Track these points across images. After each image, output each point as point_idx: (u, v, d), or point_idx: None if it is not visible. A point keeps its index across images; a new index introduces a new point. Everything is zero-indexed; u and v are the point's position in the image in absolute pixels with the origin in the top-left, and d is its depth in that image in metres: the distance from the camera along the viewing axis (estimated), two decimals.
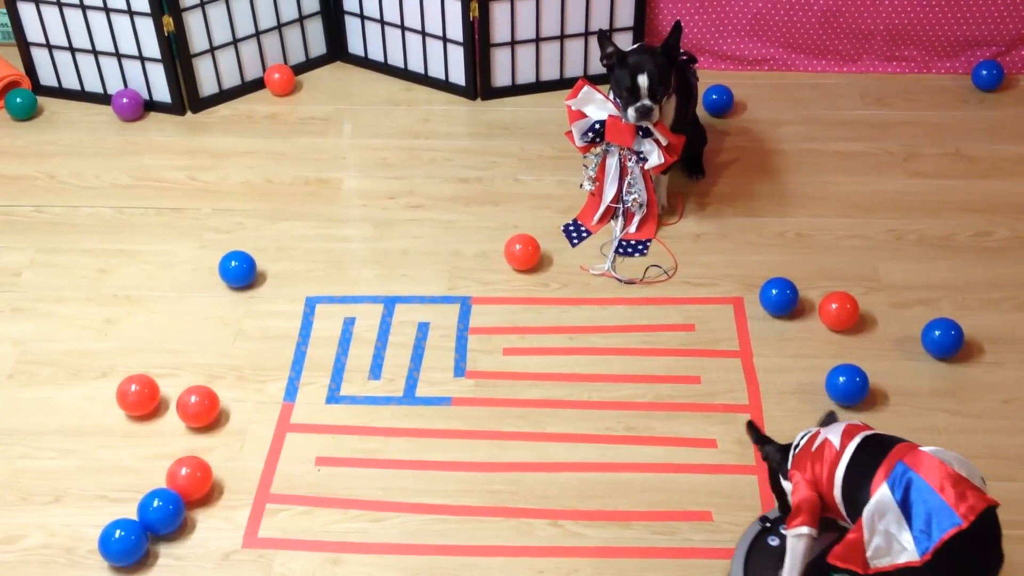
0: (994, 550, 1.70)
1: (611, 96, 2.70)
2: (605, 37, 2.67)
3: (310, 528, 2.17)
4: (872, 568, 1.72)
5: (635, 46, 2.72)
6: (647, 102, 2.60)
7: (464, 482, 2.25)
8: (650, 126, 2.65)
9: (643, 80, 2.57)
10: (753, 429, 1.96)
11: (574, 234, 2.85)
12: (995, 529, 1.70)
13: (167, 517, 2.12)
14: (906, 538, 1.68)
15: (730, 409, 2.38)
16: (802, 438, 1.91)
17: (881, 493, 1.70)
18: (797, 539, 1.82)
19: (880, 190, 2.97)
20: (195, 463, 2.21)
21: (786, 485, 1.89)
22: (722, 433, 2.33)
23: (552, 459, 2.29)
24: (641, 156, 2.71)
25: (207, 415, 2.35)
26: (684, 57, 2.80)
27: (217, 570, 2.10)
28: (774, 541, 1.96)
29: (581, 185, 2.85)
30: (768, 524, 2.00)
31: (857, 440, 1.80)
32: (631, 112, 2.62)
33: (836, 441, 1.82)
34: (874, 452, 1.76)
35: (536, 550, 2.12)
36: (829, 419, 1.95)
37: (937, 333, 2.46)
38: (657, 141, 2.67)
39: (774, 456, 1.91)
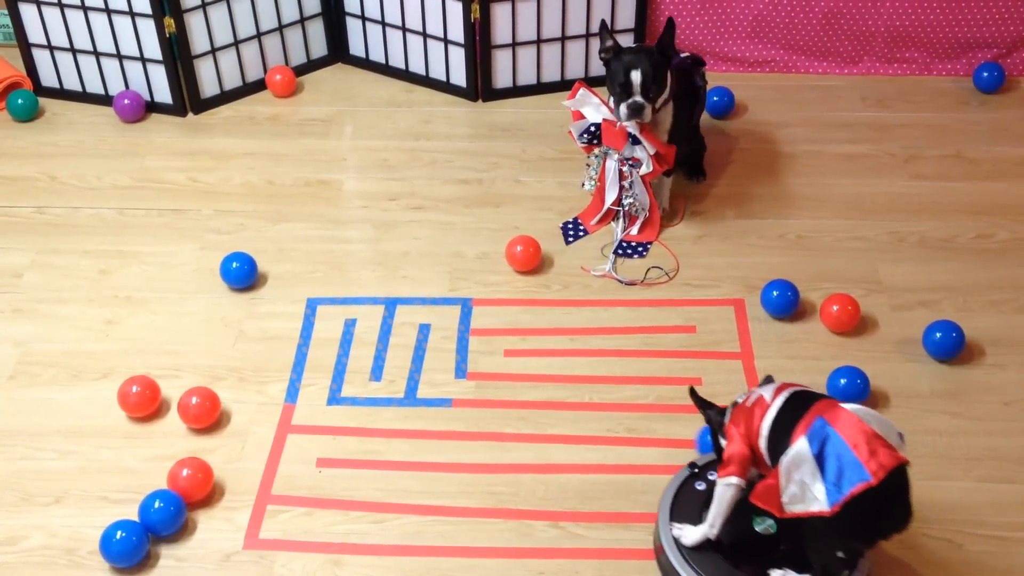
0: (901, 506, 1.79)
1: (609, 99, 2.70)
2: (606, 29, 2.67)
3: (311, 529, 2.17)
4: (787, 513, 1.81)
5: (632, 45, 2.71)
6: (639, 99, 2.59)
7: (465, 483, 2.25)
8: (638, 134, 2.64)
9: (636, 76, 2.57)
10: (695, 395, 2.02)
11: (571, 232, 2.85)
12: (904, 486, 1.79)
13: (168, 518, 2.12)
14: (819, 489, 1.76)
15: None
16: (740, 397, 1.98)
17: (799, 445, 1.79)
18: (726, 488, 1.92)
19: (881, 192, 2.97)
20: (196, 464, 2.21)
21: (724, 442, 1.96)
22: None
23: (553, 460, 2.29)
24: (634, 162, 2.71)
25: (208, 416, 2.35)
26: (691, 60, 2.80)
27: (218, 571, 2.10)
28: (701, 486, 2.05)
29: (583, 184, 2.85)
30: (696, 470, 2.08)
31: (785, 395, 1.88)
32: (623, 109, 2.61)
33: (768, 396, 1.90)
34: (798, 407, 1.84)
35: (537, 551, 2.12)
36: (767, 380, 2.01)
37: (938, 335, 2.46)
38: (646, 148, 2.67)
39: (715, 418, 1.99)
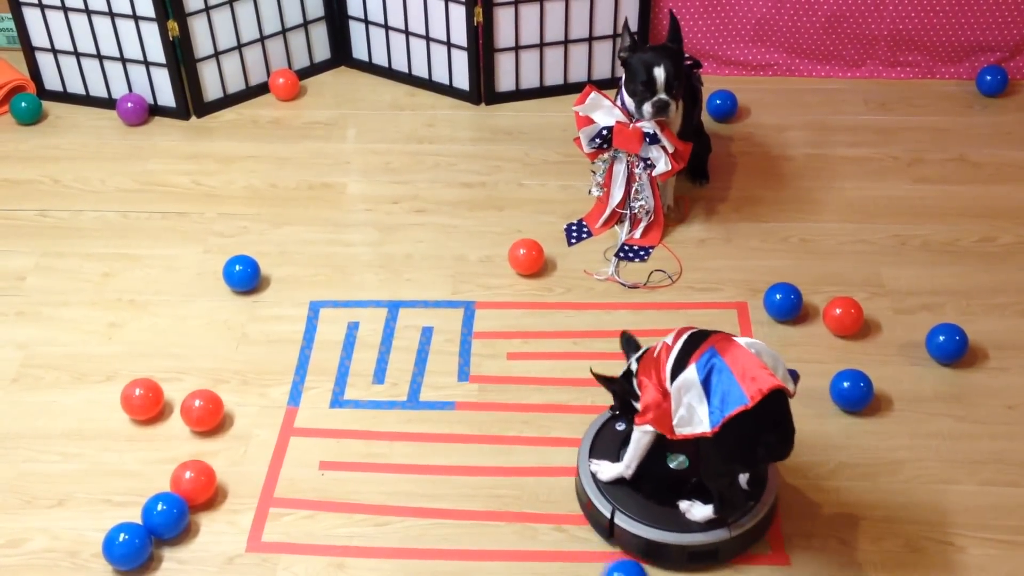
0: (779, 431, 1.91)
1: (618, 102, 2.70)
2: (627, 28, 2.66)
3: (314, 532, 2.17)
4: (677, 435, 1.95)
5: (650, 45, 2.70)
6: (664, 96, 2.58)
7: (468, 486, 2.25)
8: (658, 132, 2.64)
9: (660, 73, 2.56)
10: (597, 375, 2.07)
11: (574, 233, 2.85)
12: (782, 412, 1.90)
13: (171, 521, 2.12)
14: (703, 411, 1.89)
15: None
16: (643, 352, 2.08)
17: (689, 372, 1.91)
18: (643, 434, 2.06)
19: (884, 195, 2.97)
20: (199, 467, 2.21)
21: (636, 404, 2.04)
22: None
23: (556, 463, 2.28)
24: (648, 163, 2.71)
25: (211, 419, 2.35)
26: (689, 62, 2.80)
27: (221, 574, 2.10)
28: (621, 426, 2.18)
29: (589, 191, 2.85)
30: (617, 412, 2.17)
31: (684, 337, 1.99)
32: (647, 107, 2.59)
33: (670, 341, 2.00)
34: (695, 343, 1.96)
35: (540, 555, 2.12)
36: (628, 341, 2.14)
37: (941, 338, 2.46)
38: (664, 148, 2.67)
39: (623, 384, 2.07)
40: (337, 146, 3.22)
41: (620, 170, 2.77)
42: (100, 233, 2.90)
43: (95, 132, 3.27)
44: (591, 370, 2.08)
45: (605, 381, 2.08)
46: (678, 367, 1.94)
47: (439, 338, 2.58)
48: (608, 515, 2.08)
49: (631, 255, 2.79)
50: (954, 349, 2.45)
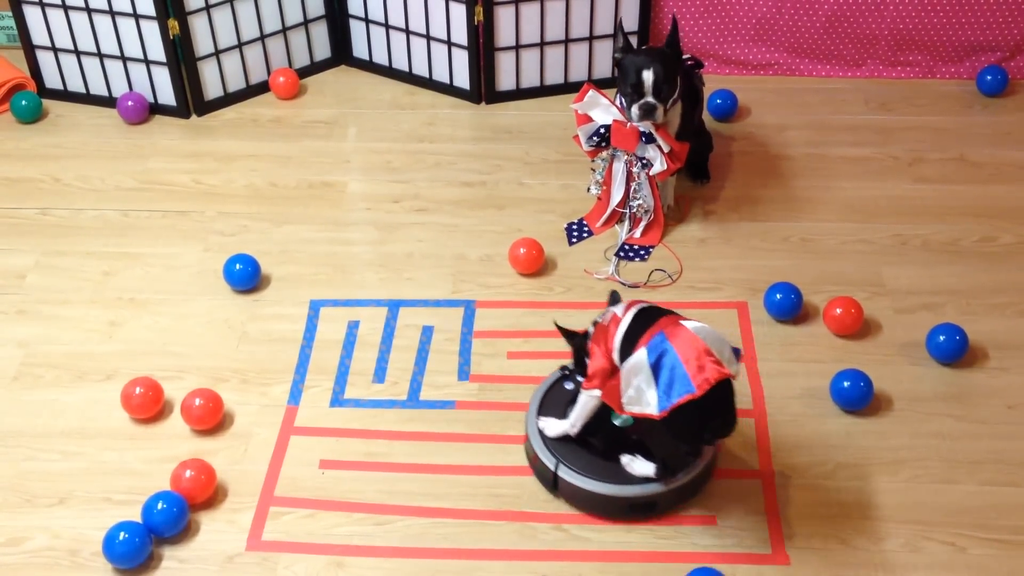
0: (725, 416, 2.01)
1: (617, 100, 2.70)
2: (622, 29, 2.67)
3: (314, 531, 2.17)
4: (626, 412, 2.04)
5: (644, 47, 2.71)
6: (651, 99, 2.59)
7: (468, 485, 2.25)
8: (653, 131, 2.65)
9: (648, 76, 2.57)
10: (561, 328, 2.19)
11: (575, 233, 2.85)
12: (726, 397, 2.00)
13: (171, 520, 2.12)
14: (651, 395, 1.97)
15: None
16: (599, 318, 2.14)
17: (639, 355, 1.99)
18: (588, 398, 2.15)
19: (885, 195, 2.97)
20: (199, 466, 2.21)
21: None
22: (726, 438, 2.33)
23: None
24: (646, 162, 2.71)
25: (211, 418, 2.35)
26: (690, 62, 2.80)
27: (221, 573, 2.10)
28: (569, 386, 2.26)
29: (588, 189, 2.85)
30: (567, 372, 2.27)
31: (633, 311, 2.07)
32: (635, 110, 2.61)
33: (620, 312, 2.09)
34: (644, 322, 2.04)
35: (540, 554, 2.12)
36: (613, 300, 2.20)
37: (942, 338, 2.46)
38: (660, 147, 2.67)
39: (581, 342, 2.16)
40: (337, 145, 3.22)
41: (619, 169, 2.77)
42: (100, 232, 2.90)
43: (95, 131, 3.27)
44: (555, 322, 2.21)
45: (567, 334, 2.19)
46: (627, 343, 2.03)
47: (439, 337, 2.58)
48: (552, 468, 2.17)
49: (631, 254, 2.79)
50: (954, 349, 2.45)
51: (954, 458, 2.28)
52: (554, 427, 2.22)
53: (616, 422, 2.17)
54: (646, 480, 2.13)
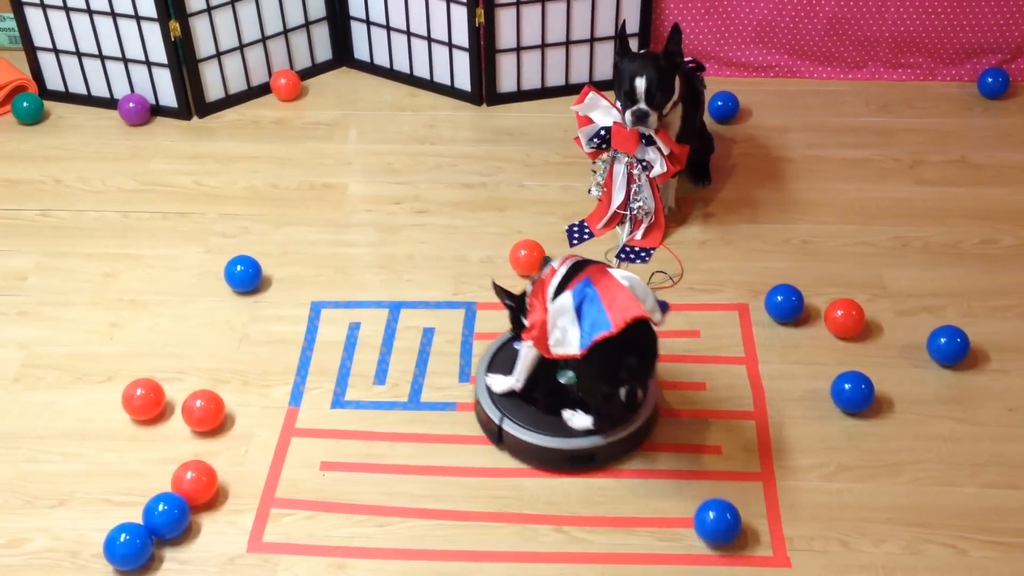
0: (640, 355, 2.12)
1: (617, 102, 2.70)
2: (624, 32, 2.67)
3: (315, 533, 2.17)
4: (553, 354, 2.15)
5: (640, 51, 2.72)
6: (643, 106, 2.59)
7: (468, 487, 2.25)
8: (652, 134, 2.65)
9: (640, 83, 2.57)
10: (497, 288, 2.29)
11: (576, 234, 2.85)
12: (644, 339, 2.11)
13: (172, 521, 2.12)
14: (574, 335, 2.08)
15: (735, 416, 2.38)
16: (539, 274, 2.24)
17: (564, 298, 2.11)
18: (528, 350, 2.26)
19: (885, 197, 2.97)
20: (200, 467, 2.21)
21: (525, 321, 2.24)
22: (727, 440, 2.33)
23: None
24: (646, 164, 2.71)
25: (212, 419, 2.35)
26: (692, 65, 2.80)
27: (221, 574, 2.10)
28: (517, 345, 2.33)
29: (589, 191, 2.85)
30: (516, 335, 2.35)
31: (568, 264, 2.18)
32: (628, 116, 2.61)
33: (556, 266, 2.20)
34: (575, 271, 2.15)
35: (540, 556, 2.12)
36: (547, 261, 2.33)
37: (943, 340, 2.46)
38: (660, 150, 2.67)
39: (518, 302, 2.27)
40: (338, 146, 3.22)
41: (620, 171, 2.77)
42: (101, 233, 2.90)
43: (97, 132, 3.28)
44: (493, 282, 2.31)
45: (501, 294, 2.29)
46: (558, 292, 2.14)
47: (440, 339, 2.58)
48: (498, 422, 2.27)
49: (632, 256, 2.79)
50: (955, 351, 2.45)
51: (955, 460, 2.27)
52: (500, 383, 2.32)
53: (561, 380, 2.26)
54: (586, 433, 2.22)
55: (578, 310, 2.08)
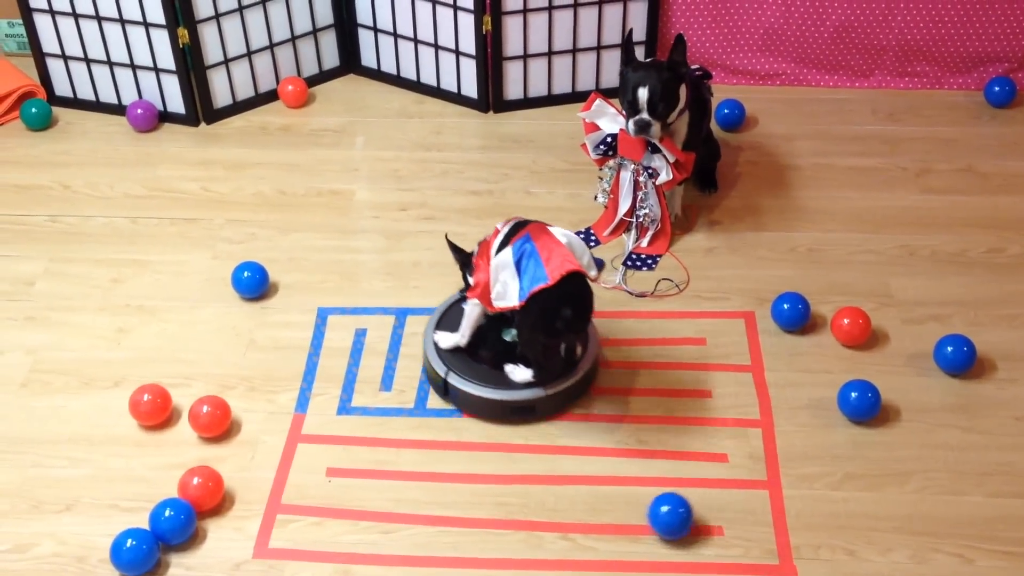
0: (575, 307, 2.24)
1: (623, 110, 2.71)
2: (630, 40, 2.67)
3: (321, 539, 2.17)
4: (495, 307, 2.29)
5: (647, 60, 2.72)
6: (645, 116, 2.60)
7: (474, 494, 2.25)
8: (656, 142, 2.65)
9: (643, 94, 2.58)
10: (451, 244, 2.38)
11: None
12: (579, 292, 2.24)
13: (178, 527, 2.12)
14: (514, 288, 2.22)
15: (741, 424, 2.38)
16: (485, 237, 2.35)
17: (505, 253, 2.24)
18: (472, 307, 2.40)
19: (892, 205, 2.97)
20: (207, 473, 2.21)
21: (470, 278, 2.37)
22: (733, 448, 2.33)
23: (562, 472, 2.29)
24: (652, 171, 2.72)
25: (219, 425, 2.35)
26: (699, 72, 2.80)
27: None
28: (465, 306, 2.44)
29: (595, 197, 2.85)
30: (464, 295, 2.45)
31: (510, 224, 2.30)
32: (631, 125, 2.62)
33: (500, 226, 2.31)
34: (516, 230, 2.28)
35: (546, 563, 2.12)
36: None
37: (949, 349, 2.45)
38: (666, 157, 2.67)
39: (466, 258, 2.37)
40: (345, 153, 3.22)
41: (626, 178, 2.78)
42: (109, 239, 2.91)
43: (105, 138, 3.29)
44: (446, 236, 2.40)
45: (454, 249, 2.38)
46: (500, 249, 2.26)
47: None
48: (443, 376, 2.38)
49: (638, 264, 2.80)
50: (962, 360, 2.45)
51: (962, 469, 2.27)
52: (447, 339, 2.43)
53: (506, 338, 2.41)
54: (527, 385, 2.34)
55: (518, 265, 2.21)
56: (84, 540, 2.17)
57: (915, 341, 2.56)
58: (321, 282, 2.76)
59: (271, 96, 3.42)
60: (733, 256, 2.82)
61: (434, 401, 2.45)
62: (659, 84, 2.57)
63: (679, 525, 2.12)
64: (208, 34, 3.22)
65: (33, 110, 3.29)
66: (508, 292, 2.24)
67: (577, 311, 2.25)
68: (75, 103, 3.39)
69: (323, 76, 3.51)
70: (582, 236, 2.87)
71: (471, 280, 2.34)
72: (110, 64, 3.30)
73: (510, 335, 2.42)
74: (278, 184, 3.09)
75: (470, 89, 3.36)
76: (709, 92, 2.85)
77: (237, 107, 3.37)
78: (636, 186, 2.77)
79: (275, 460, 2.32)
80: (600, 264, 2.30)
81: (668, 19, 3.36)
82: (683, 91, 2.65)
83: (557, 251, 2.20)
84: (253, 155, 3.21)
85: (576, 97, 3.32)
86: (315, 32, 3.44)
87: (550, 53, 3.31)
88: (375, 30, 3.44)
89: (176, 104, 3.31)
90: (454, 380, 2.38)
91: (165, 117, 3.33)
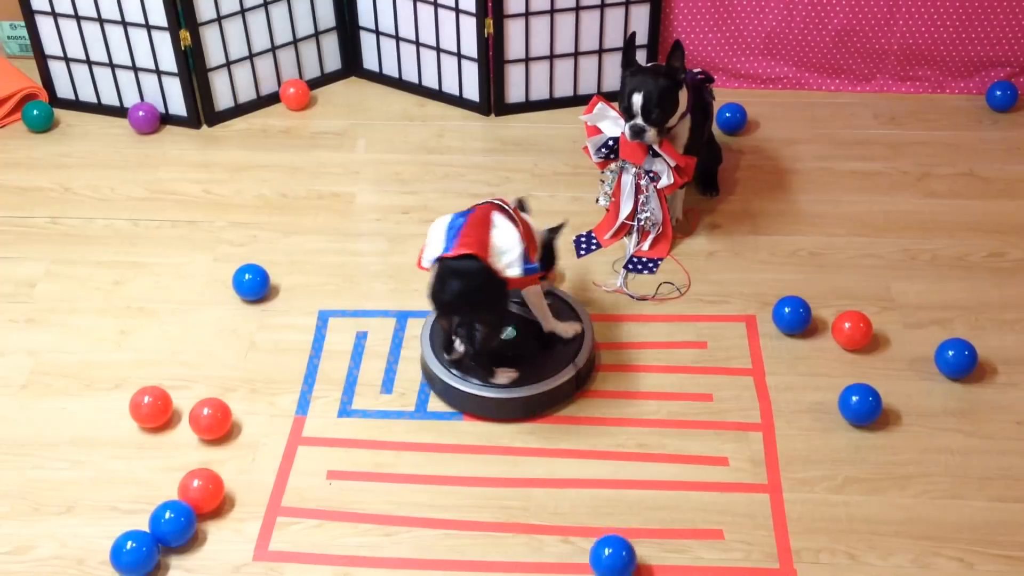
0: (442, 283, 2.28)
1: None
2: (632, 43, 2.67)
3: (321, 542, 2.17)
4: (422, 267, 2.33)
5: (648, 64, 2.72)
6: (639, 122, 2.60)
7: (475, 497, 2.25)
8: (657, 147, 2.65)
9: (637, 99, 2.58)
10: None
11: (583, 245, 2.85)
12: (454, 273, 2.26)
13: (179, 529, 2.12)
14: (430, 252, 2.30)
15: (742, 427, 2.38)
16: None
17: (446, 217, 2.33)
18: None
19: (894, 210, 2.97)
20: (207, 475, 2.21)
21: None
22: (734, 451, 2.32)
23: (563, 475, 2.29)
24: (653, 175, 2.72)
25: (219, 428, 2.35)
26: (701, 76, 2.80)
27: None
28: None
29: (597, 200, 2.85)
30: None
31: (488, 201, 2.36)
32: (626, 129, 2.63)
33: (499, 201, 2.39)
34: (479, 206, 2.36)
35: (547, 567, 2.12)
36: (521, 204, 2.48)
37: (951, 353, 2.45)
38: (667, 161, 2.68)
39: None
40: (347, 156, 3.22)
41: (628, 181, 2.78)
42: (110, 241, 2.91)
43: (106, 140, 3.29)
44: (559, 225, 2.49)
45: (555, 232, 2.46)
46: (456, 217, 2.35)
47: None
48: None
49: (640, 267, 2.80)
50: (963, 364, 2.45)
51: (963, 474, 2.27)
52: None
53: (501, 336, 2.46)
54: (510, 385, 2.39)
55: (448, 231, 2.28)
56: (84, 542, 2.16)
57: (916, 345, 2.55)
58: (322, 284, 2.76)
59: (273, 99, 3.42)
60: (734, 260, 2.82)
61: (435, 404, 2.45)
62: (654, 90, 2.57)
63: (622, 568, 2.06)
64: (210, 36, 3.23)
65: (35, 112, 3.29)
66: (427, 255, 2.32)
67: (441, 286, 2.27)
68: (77, 105, 3.40)
69: (325, 79, 3.51)
70: (583, 239, 2.87)
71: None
72: (112, 66, 3.30)
73: (505, 333, 2.45)
74: (279, 187, 3.09)
75: (472, 92, 3.36)
76: (711, 96, 2.85)
77: (239, 109, 3.38)
78: (638, 190, 2.77)
79: (275, 462, 2.32)
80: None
81: (670, 23, 3.36)
82: (684, 95, 2.65)
83: (475, 230, 2.26)
84: (255, 157, 3.21)
85: (578, 100, 3.32)
86: (317, 35, 3.44)
87: (552, 56, 3.31)
88: (377, 33, 3.44)
89: (178, 106, 3.31)
90: (447, 377, 2.41)
91: (167, 119, 3.34)
